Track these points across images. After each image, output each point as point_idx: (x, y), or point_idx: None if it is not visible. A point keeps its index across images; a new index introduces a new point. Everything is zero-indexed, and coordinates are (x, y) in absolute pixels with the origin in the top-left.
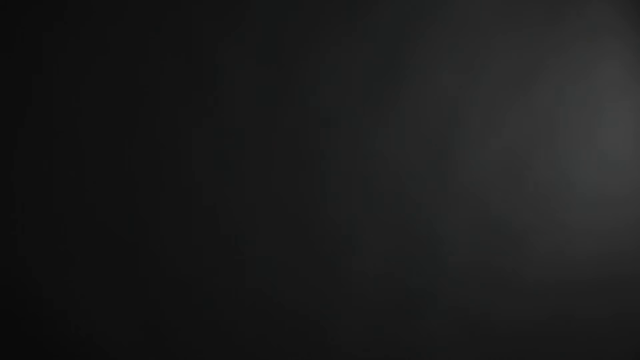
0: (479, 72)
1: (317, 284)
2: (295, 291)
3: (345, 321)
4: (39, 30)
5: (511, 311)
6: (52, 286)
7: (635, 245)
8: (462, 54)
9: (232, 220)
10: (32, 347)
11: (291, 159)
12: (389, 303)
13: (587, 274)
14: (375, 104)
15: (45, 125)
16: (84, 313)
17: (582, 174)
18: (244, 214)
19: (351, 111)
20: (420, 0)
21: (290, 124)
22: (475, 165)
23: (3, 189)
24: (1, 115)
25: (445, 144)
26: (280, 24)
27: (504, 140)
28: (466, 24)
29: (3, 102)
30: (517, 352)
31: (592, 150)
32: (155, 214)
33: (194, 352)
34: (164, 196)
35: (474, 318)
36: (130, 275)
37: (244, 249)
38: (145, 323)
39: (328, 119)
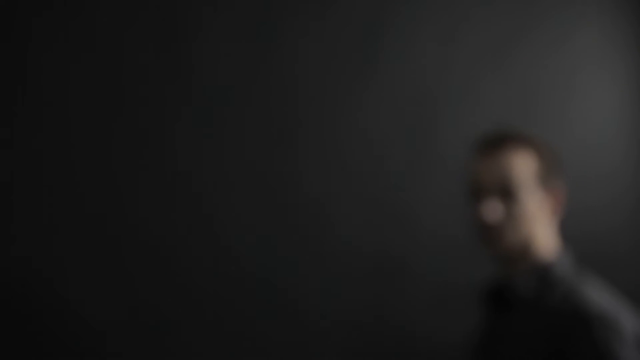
0: (456, 44)
1: (295, 256)
2: (273, 263)
3: (322, 291)
4: (27, 28)
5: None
6: (40, 266)
7: (620, 222)
8: (440, 25)
9: (210, 194)
10: (21, 326)
11: (268, 134)
12: (365, 272)
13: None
14: (353, 78)
15: (35, 122)
16: (72, 293)
17: (561, 147)
18: (222, 189)
19: (328, 85)
20: None
21: (267, 99)
22: (452, 138)
23: None
24: None
25: (423, 117)
26: (259, 0)
27: (481, 113)
28: None
29: None
30: None
31: (572, 122)
32: (140, 200)
33: (174, 325)
34: (146, 178)
35: (449, 284)
36: (115, 255)
37: (223, 223)
38: (129, 300)
39: (305, 93)
